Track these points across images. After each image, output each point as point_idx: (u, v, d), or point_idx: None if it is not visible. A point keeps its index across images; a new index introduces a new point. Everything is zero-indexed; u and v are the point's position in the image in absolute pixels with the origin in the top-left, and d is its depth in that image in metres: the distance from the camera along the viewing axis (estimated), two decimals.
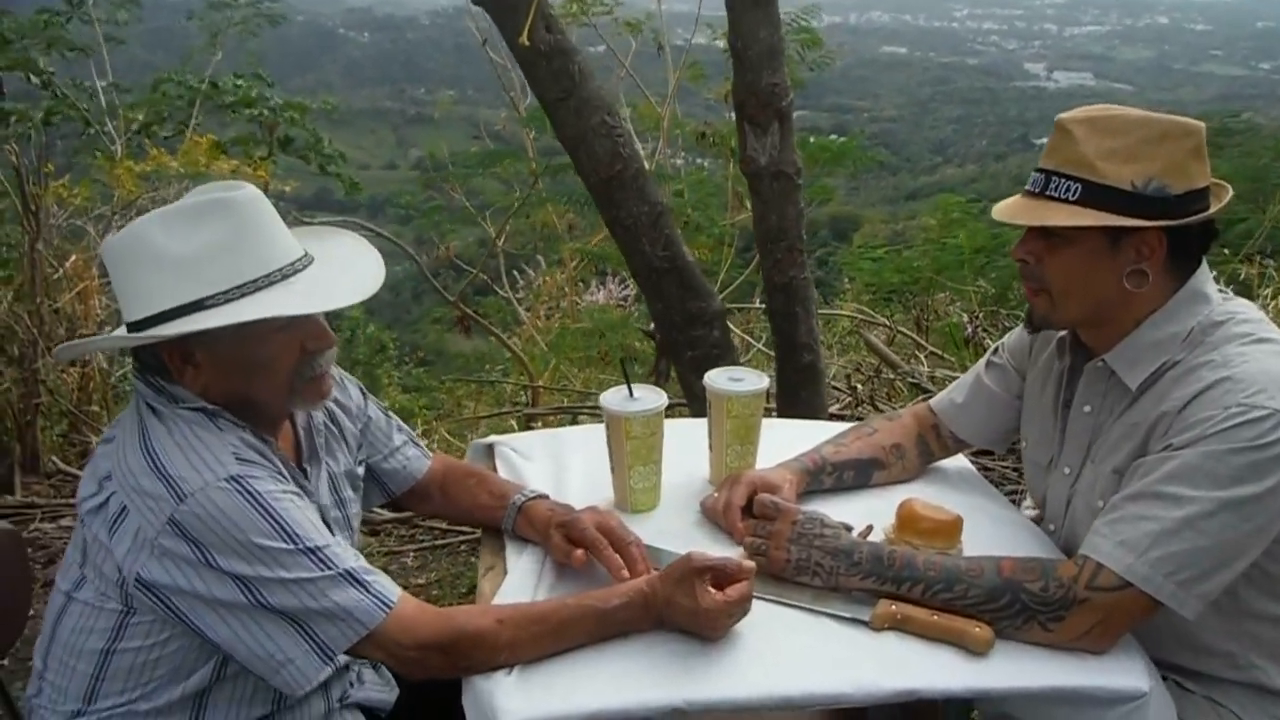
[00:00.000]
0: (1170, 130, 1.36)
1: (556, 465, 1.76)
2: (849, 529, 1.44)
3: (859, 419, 3.92)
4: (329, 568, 1.22)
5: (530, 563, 1.46)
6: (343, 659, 1.37)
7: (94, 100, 4.74)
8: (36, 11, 4.53)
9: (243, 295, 1.24)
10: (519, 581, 1.41)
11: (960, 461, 1.82)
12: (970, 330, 4.20)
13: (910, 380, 4.11)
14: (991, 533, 1.53)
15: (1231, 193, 1.42)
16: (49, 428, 4.41)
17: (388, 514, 3.45)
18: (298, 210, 4.96)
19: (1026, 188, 1.43)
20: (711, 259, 4.95)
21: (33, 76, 4.38)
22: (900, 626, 1.30)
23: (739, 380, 1.64)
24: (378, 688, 1.52)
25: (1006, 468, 3.45)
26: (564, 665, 1.24)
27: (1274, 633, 1.36)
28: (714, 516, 1.56)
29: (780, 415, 2.69)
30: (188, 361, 1.28)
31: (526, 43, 2.42)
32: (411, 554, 3.28)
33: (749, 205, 4.94)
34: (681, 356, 2.76)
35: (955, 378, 4.05)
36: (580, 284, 6.37)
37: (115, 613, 1.25)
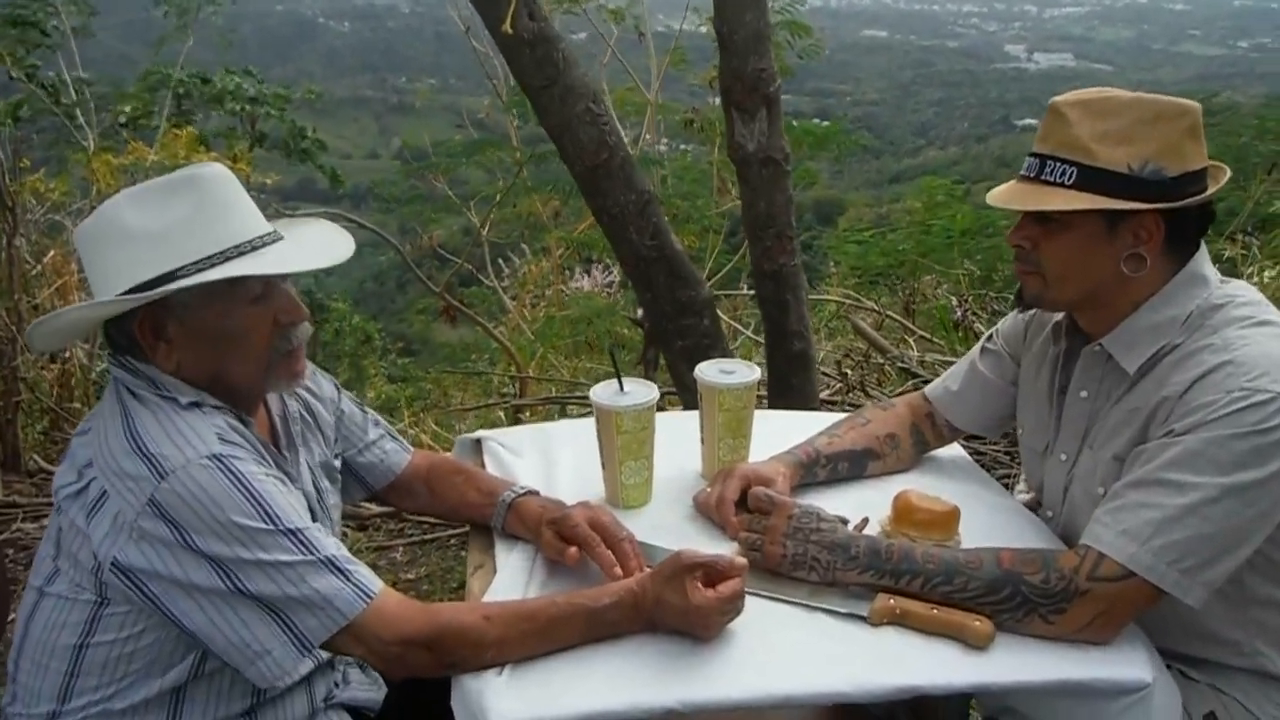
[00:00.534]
0: (1165, 111, 1.34)
1: (546, 460, 1.73)
2: (845, 522, 1.42)
3: (851, 405, 3.93)
4: (309, 552, 1.20)
5: (521, 560, 1.43)
6: (324, 655, 1.34)
7: (66, 92, 4.66)
8: (3, 6, 4.46)
9: (213, 265, 1.24)
10: (509, 580, 1.38)
11: (955, 450, 1.80)
12: (959, 314, 4.19)
13: (900, 365, 4.10)
14: (989, 522, 1.51)
15: (1229, 174, 1.40)
16: (29, 425, 4.35)
17: (375, 508, 3.41)
18: (279, 202, 4.91)
19: (1021, 172, 1.41)
20: (698, 246, 4.92)
21: (13, 72, 4.32)
22: (899, 621, 1.28)
23: (730, 372, 1.61)
24: (364, 687, 1.49)
25: (999, 451, 3.44)
26: (555, 665, 1.22)
27: (1279, 619, 1.35)
28: (707, 511, 1.53)
29: (771, 403, 2.67)
30: (159, 337, 1.27)
31: (509, 30, 2.38)
32: (401, 549, 3.25)
33: (734, 191, 4.95)
34: (671, 346, 2.73)
35: (946, 362, 4.03)
36: (565, 271, 6.34)
37: (89, 604, 1.23)
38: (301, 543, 1.20)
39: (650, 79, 4.94)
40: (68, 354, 4.33)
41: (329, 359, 6.65)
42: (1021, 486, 2.91)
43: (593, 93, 2.54)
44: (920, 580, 1.30)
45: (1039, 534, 1.50)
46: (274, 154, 5.11)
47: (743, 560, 1.28)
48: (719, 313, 2.94)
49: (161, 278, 1.23)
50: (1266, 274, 4.41)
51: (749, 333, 4.85)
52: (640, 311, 4.57)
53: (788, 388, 2.67)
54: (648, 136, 5.15)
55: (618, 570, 1.32)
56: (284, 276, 1.33)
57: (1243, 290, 1.38)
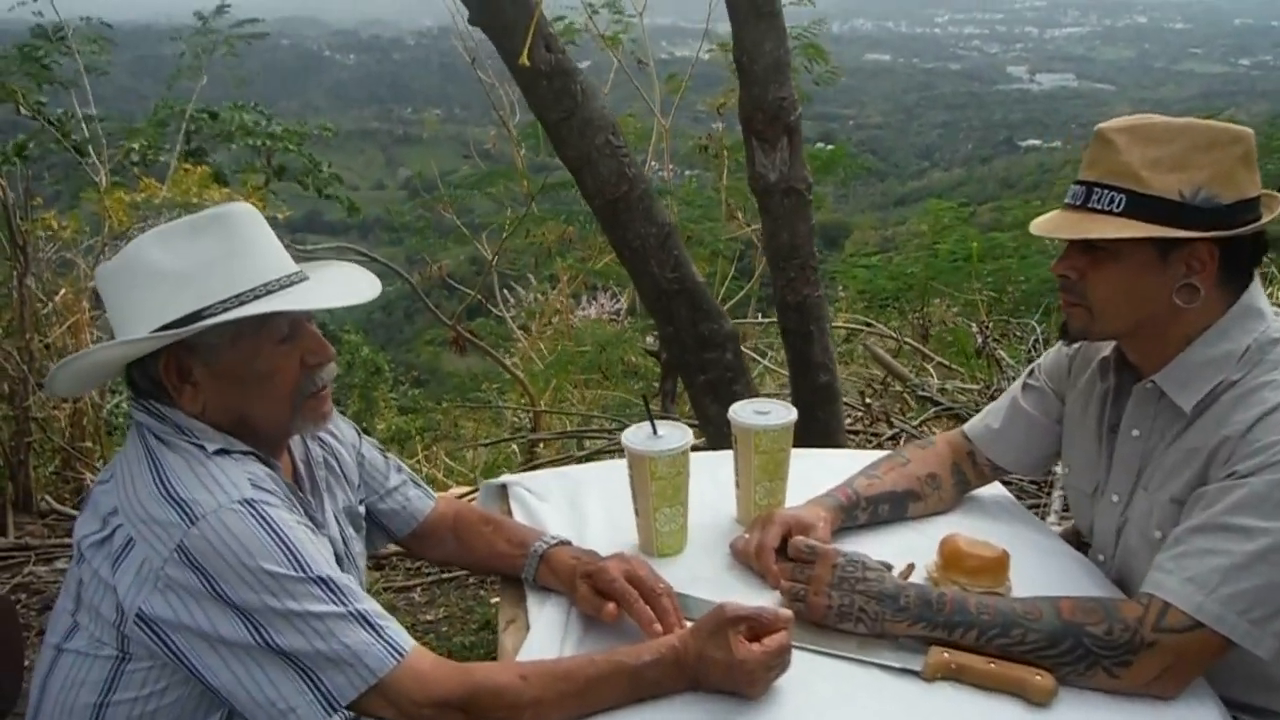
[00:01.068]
0: (1218, 137, 1.30)
1: (574, 506, 1.68)
2: (889, 568, 1.36)
3: (874, 435, 3.86)
4: (340, 603, 1.16)
5: (555, 615, 1.37)
6: (349, 715, 1.29)
7: (79, 129, 4.67)
8: (17, 46, 4.48)
9: (241, 304, 1.22)
10: (544, 636, 1.33)
11: (997, 489, 1.74)
12: (981, 340, 4.13)
13: (920, 393, 4.04)
14: (1039, 566, 1.46)
15: None
16: (41, 465, 4.31)
17: (394, 546, 3.35)
18: (290, 234, 4.90)
19: (1066, 201, 1.37)
20: (708, 271, 4.89)
21: (23, 109, 4.33)
22: (955, 676, 1.22)
23: (765, 413, 1.56)
24: None
25: (1024, 480, 3.37)
26: None
27: None
28: (745, 559, 1.48)
29: (796, 436, 2.60)
30: (185, 379, 1.25)
31: (526, 62, 2.35)
32: (419, 590, 3.18)
33: (742, 218, 4.93)
34: (694, 380, 2.68)
35: (967, 389, 3.96)
36: (572, 299, 6.33)
37: (110, 660, 1.19)
38: (332, 592, 1.16)
39: (652, 106, 4.93)
40: None
41: (340, 390, 6.63)
42: (1053, 518, 2.87)
43: (611, 124, 2.51)
44: (975, 632, 1.24)
45: (1093, 580, 1.44)
46: (284, 186, 5.12)
47: (788, 612, 1.23)
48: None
49: (188, 317, 1.21)
50: None
51: (766, 362, 4.80)
52: (650, 339, 4.54)
53: (813, 420, 2.62)
54: (653, 164, 5.13)
55: (657, 627, 1.27)
56: (310, 314, 1.31)
57: None
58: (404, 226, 5.83)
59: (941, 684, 1.22)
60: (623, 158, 2.48)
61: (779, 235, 2.52)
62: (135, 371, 1.27)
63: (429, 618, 3.02)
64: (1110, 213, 1.30)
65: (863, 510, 1.57)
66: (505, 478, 1.79)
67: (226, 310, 1.21)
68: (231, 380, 1.25)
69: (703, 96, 5.15)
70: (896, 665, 1.25)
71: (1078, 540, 1.64)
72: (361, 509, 1.51)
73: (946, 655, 1.23)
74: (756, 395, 2.68)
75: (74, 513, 3.76)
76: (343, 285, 1.34)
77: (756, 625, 1.20)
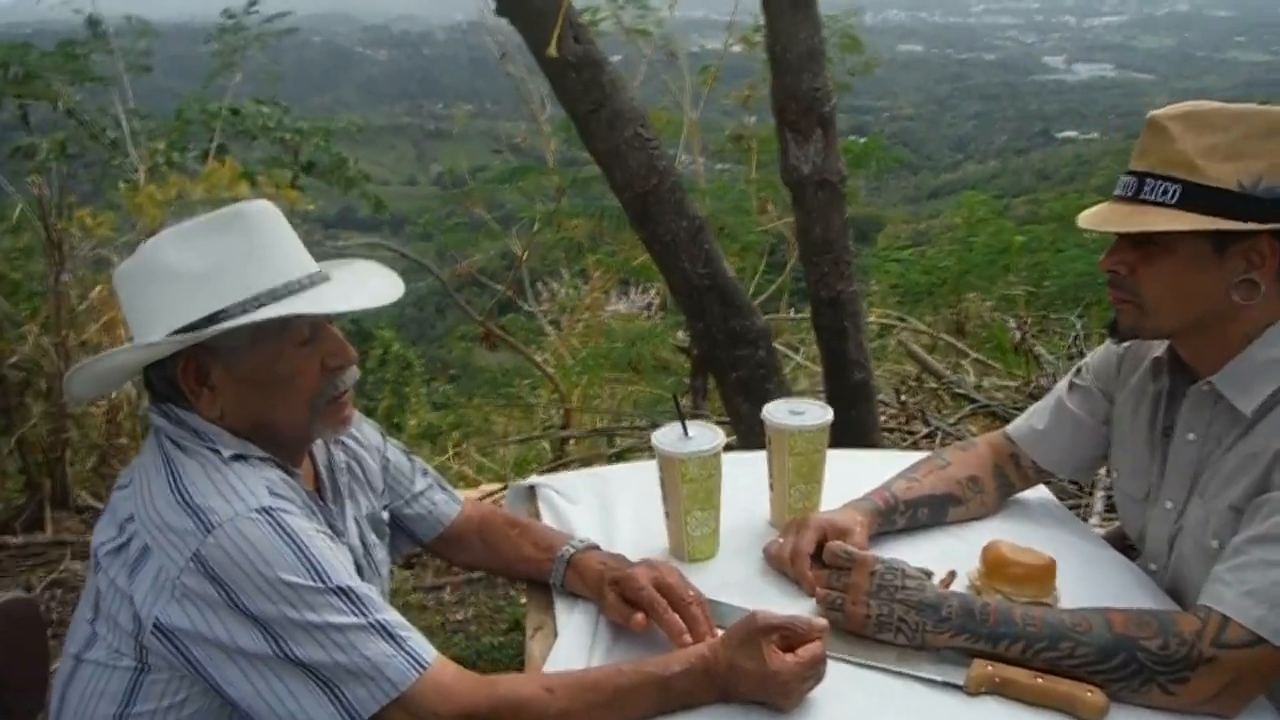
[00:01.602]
0: (1277, 124, 1.22)
1: (603, 508, 1.64)
2: (929, 576, 1.31)
3: (909, 434, 3.79)
4: (360, 614, 1.13)
5: (583, 622, 1.34)
6: None
7: (119, 128, 4.71)
8: (58, 45, 4.52)
9: (260, 306, 1.19)
10: (571, 644, 1.29)
11: (1041, 492, 1.68)
12: (1019, 335, 4.04)
13: (956, 390, 3.96)
14: (1086, 575, 1.40)
15: None
16: (78, 461, 4.36)
17: None
18: (321, 230, 4.91)
19: (1116, 193, 1.31)
20: (739, 265, 4.83)
21: (59, 106, 4.38)
22: (1000, 691, 1.17)
23: (800, 413, 1.51)
24: None
25: (1063, 480, 3.29)
26: None
27: None
28: (779, 564, 1.43)
29: (830, 435, 2.55)
30: (203, 383, 1.22)
31: (554, 54, 2.31)
32: (448, 589, 3.16)
33: (772, 211, 4.86)
34: (725, 377, 2.63)
35: (1004, 386, 3.86)
36: (603, 294, 6.29)
37: (129, 671, 1.16)
38: (352, 602, 1.13)
39: (681, 99, 4.87)
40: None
41: (372, 385, 6.65)
42: (1096, 520, 2.79)
43: (641, 116, 2.46)
44: (1021, 645, 1.18)
45: (1144, 590, 1.38)
46: (316, 181, 5.13)
47: (823, 621, 1.19)
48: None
49: (206, 319, 1.18)
50: None
51: (799, 358, 4.73)
52: (682, 334, 4.50)
53: (848, 418, 2.56)
54: (683, 157, 5.08)
55: (686, 638, 1.23)
56: (331, 317, 1.27)
57: None
58: (432, 224, 5.81)
59: (985, 698, 1.17)
60: (652, 150, 2.44)
61: (812, 229, 2.47)
62: (154, 375, 1.24)
63: (458, 617, 3.00)
64: (1163, 204, 1.24)
65: (901, 514, 1.51)
66: (533, 479, 1.76)
67: (245, 312, 1.18)
68: (251, 384, 1.22)
69: (729, 90, 5.09)
70: (937, 678, 1.19)
71: (1123, 543, 1.57)
72: (385, 515, 1.48)
73: (990, 668, 1.18)
74: (789, 394, 2.63)
75: None
76: (365, 286, 1.31)
77: (790, 634, 1.16)
